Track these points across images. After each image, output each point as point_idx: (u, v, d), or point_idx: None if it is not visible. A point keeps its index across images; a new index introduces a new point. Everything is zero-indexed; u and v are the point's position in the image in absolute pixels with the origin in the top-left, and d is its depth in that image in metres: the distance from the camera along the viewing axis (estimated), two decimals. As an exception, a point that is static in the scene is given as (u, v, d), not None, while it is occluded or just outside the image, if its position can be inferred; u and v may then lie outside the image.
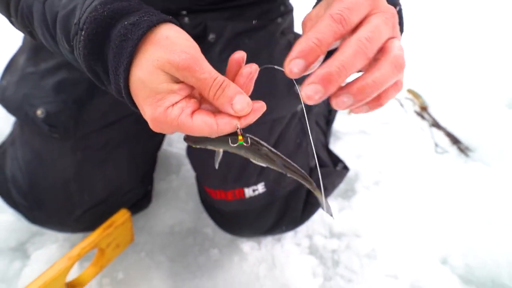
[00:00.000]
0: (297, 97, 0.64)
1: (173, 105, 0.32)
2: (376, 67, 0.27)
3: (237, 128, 0.32)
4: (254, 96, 0.61)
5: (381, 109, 0.96)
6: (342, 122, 1.14)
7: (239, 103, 0.31)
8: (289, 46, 0.65)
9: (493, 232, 0.75)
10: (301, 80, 0.29)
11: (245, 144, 0.35)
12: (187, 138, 0.37)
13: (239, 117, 0.32)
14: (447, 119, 1.12)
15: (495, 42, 1.59)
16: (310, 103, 0.27)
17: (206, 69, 0.31)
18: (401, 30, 0.37)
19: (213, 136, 0.32)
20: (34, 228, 0.82)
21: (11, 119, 1.02)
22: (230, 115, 0.32)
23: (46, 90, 0.60)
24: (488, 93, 1.27)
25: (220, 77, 0.32)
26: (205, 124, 0.31)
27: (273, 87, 0.61)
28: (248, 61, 0.62)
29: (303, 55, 0.28)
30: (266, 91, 0.60)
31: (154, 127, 0.33)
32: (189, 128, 0.31)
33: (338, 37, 0.28)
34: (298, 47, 0.28)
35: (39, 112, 0.59)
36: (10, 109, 0.64)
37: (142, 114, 0.34)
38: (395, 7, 0.32)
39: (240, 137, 0.34)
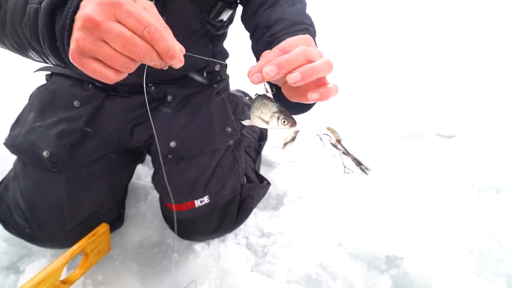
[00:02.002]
0: (227, 135, 0.94)
1: None
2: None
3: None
4: (197, 133, 0.92)
5: (307, 143, 1.41)
6: (277, 154, 1.47)
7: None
8: (222, 102, 0.97)
9: (373, 223, 1.07)
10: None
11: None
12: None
13: None
14: (354, 148, 1.48)
15: (394, 89, 2.06)
16: (266, 78, 0.44)
17: None
18: None
19: None
20: (23, 250, 1.02)
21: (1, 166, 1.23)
22: None
23: (50, 137, 0.85)
24: (388, 128, 1.68)
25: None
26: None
27: (211, 127, 0.91)
28: (192, 112, 0.92)
29: (258, 69, 0.45)
30: (206, 130, 0.91)
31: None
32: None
33: None
34: (257, 64, 0.46)
35: (44, 153, 0.84)
36: (20, 152, 0.87)
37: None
38: None
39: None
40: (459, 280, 0.89)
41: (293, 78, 0.43)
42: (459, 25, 2.99)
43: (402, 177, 1.30)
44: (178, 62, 0.43)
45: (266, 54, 0.49)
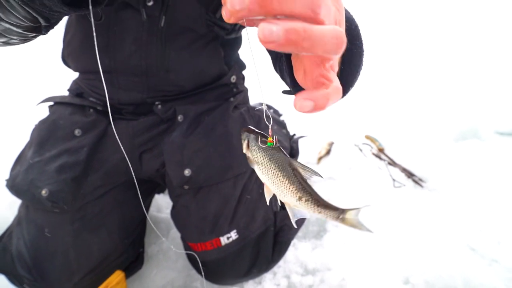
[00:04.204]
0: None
1: None
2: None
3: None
4: (215, 156, 0.76)
5: (345, 156, 1.16)
6: (312, 171, 1.29)
7: None
8: (241, 117, 0.83)
9: (446, 250, 0.85)
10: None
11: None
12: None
13: None
14: (401, 157, 1.27)
15: (438, 85, 1.83)
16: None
17: None
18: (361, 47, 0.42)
19: None
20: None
21: (14, 207, 1.15)
22: None
23: (49, 173, 0.74)
24: (437, 130, 1.46)
25: None
26: None
27: (230, 148, 0.76)
28: (206, 132, 0.78)
29: None
30: (225, 151, 0.76)
31: None
32: None
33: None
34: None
35: (43, 192, 0.73)
36: (19, 193, 0.76)
37: None
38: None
39: (269, 139, 0.35)
40: None
41: (266, 31, 0.24)
42: None
43: (466, 186, 1.08)
44: None
45: None
